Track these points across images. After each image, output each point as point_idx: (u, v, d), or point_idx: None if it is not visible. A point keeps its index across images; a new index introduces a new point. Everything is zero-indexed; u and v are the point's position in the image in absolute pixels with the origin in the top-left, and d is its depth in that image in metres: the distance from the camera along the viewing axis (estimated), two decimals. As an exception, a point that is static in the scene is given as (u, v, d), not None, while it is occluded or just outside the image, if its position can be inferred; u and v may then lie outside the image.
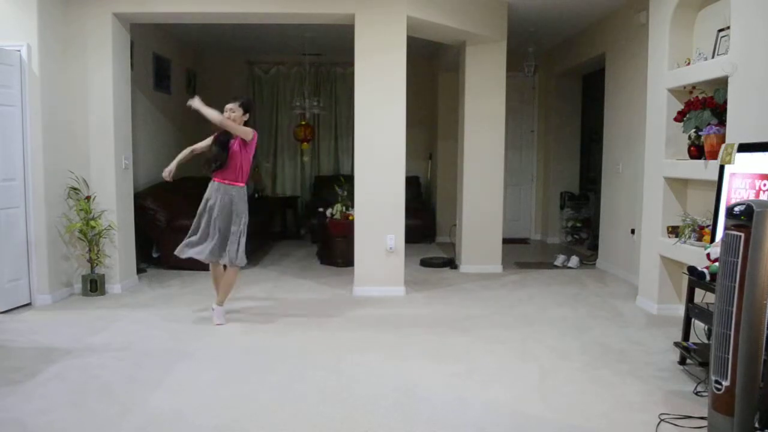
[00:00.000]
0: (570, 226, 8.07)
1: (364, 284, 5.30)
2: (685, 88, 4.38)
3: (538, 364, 3.56)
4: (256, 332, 4.18)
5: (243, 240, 4.32)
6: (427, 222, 8.25)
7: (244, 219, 4.33)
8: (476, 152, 6.21)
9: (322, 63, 8.71)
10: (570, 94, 8.26)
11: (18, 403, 2.93)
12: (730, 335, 2.38)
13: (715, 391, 2.44)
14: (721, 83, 3.87)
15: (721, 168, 3.42)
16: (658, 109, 4.63)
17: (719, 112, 3.91)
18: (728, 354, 2.38)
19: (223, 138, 4.28)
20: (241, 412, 2.87)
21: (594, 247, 7.10)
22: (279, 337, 4.08)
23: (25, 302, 4.77)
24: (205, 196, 4.32)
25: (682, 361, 3.51)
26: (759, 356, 2.31)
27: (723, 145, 3.51)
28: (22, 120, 4.67)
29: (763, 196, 3.05)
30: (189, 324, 4.34)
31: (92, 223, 5.03)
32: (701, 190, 4.40)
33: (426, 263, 6.67)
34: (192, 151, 4.40)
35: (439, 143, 8.46)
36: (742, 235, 2.35)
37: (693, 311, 3.43)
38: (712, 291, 2.98)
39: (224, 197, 4.24)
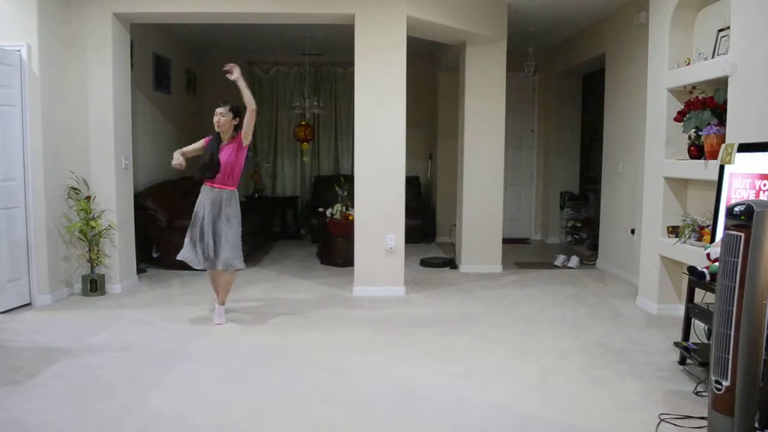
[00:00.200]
0: (570, 226, 8.07)
1: (364, 284, 5.30)
2: (685, 88, 4.38)
3: (538, 364, 3.56)
4: (256, 332, 4.18)
5: (238, 243, 4.30)
6: (427, 222, 8.25)
7: (237, 222, 4.30)
8: (476, 152, 6.21)
9: (322, 63, 8.71)
10: (570, 94, 8.26)
11: (18, 403, 2.93)
12: (730, 335, 2.38)
13: (715, 391, 2.44)
14: (721, 83, 3.87)
15: (721, 168, 3.42)
16: (658, 109, 4.63)
17: (719, 112, 3.91)
18: (728, 354, 2.38)
19: (213, 144, 4.27)
20: (241, 412, 2.87)
21: (594, 247, 7.10)
22: (279, 337, 4.08)
23: (25, 302, 4.77)
24: (198, 201, 4.31)
25: (682, 361, 3.51)
26: (759, 356, 2.31)
27: (723, 145, 3.51)
28: (22, 120, 4.67)
29: (763, 196, 3.05)
30: (189, 324, 4.34)
31: (92, 223, 5.03)
32: (701, 190, 4.40)
33: (426, 263, 6.67)
34: (183, 154, 4.30)
35: (439, 143, 8.46)
36: (742, 235, 2.35)
37: (693, 311, 3.43)
38: (712, 291, 2.98)
39: (216, 201, 4.23)
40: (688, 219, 4.27)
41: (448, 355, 3.72)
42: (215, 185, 4.25)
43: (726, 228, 2.46)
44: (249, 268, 6.31)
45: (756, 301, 2.30)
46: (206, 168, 4.25)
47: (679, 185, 4.55)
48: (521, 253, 7.55)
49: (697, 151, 4.15)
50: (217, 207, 4.23)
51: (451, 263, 6.60)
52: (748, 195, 3.15)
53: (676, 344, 3.55)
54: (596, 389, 3.19)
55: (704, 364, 3.18)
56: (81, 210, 5.03)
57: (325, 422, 2.77)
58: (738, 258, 2.36)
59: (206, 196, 4.26)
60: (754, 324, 2.30)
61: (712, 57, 4.08)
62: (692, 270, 3.38)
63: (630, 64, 5.82)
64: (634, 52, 5.68)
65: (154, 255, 6.38)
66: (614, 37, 6.19)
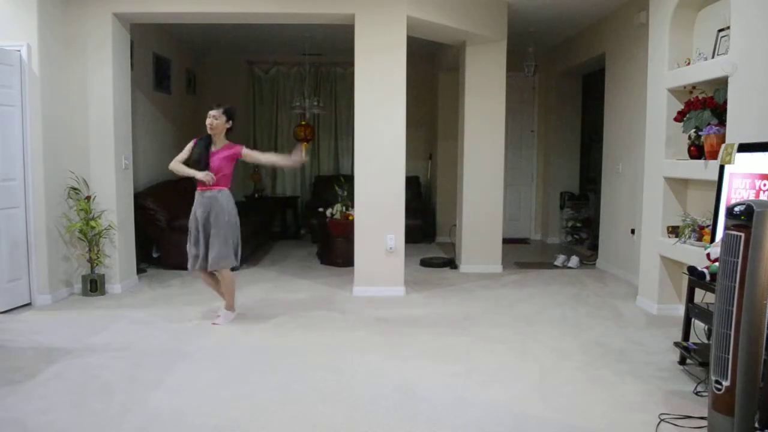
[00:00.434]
0: (570, 226, 8.07)
1: (364, 284, 5.30)
2: (685, 88, 4.38)
3: (538, 364, 3.56)
4: (256, 332, 4.18)
5: (229, 242, 4.26)
6: (427, 222, 8.25)
7: (228, 219, 4.26)
8: (476, 152, 6.21)
9: (322, 63, 8.71)
10: (570, 94, 8.25)
11: (18, 403, 2.93)
12: (730, 335, 2.38)
13: (715, 391, 2.44)
14: (721, 83, 3.87)
15: (721, 168, 3.42)
16: (658, 109, 4.63)
17: (719, 112, 3.91)
18: (728, 354, 2.38)
19: (202, 145, 4.25)
20: (241, 412, 2.87)
21: (594, 247, 7.10)
22: (279, 337, 4.08)
23: (25, 302, 4.77)
24: (193, 208, 4.29)
25: (682, 361, 3.51)
26: (759, 356, 2.31)
27: (723, 145, 3.51)
28: (22, 120, 4.67)
29: (763, 196, 3.05)
30: (189, 324, 4.34)
31: (92, 223, 5.03)
32: (701, 190, 4.40)
33: (426, 263, 6.67)
34: (182, 163, 4.30)
35: (439, 143, 8.46)
36: (742, 235, 2.35)
37: (693, 311, 3.43)
38: (712, 291, 2.98)
39: (207, 202, 4.22)
40: (688, 219, 4.27)
41: (448, 355, 3.72)
42: (205, 187, 4.22)
43: (726, 228, 2.46)
44: (249, 268, 6.32)
45: (756, 301, 2.30)
46: (193, 167, 4.22)
47: (679, 185, 4.55)
48: (521, 253, 7.55)
49: (697, 151, 4.15)
50: (211, 207, 4.22)
51: (451, 263, 6.60)
52: (748, 195, 3.15)
53: (676, 344, 3.55)
54: (596, 389, 3.19)
55: (704, 364, 3.18)
56: (81, 210, 5.03)
57: (325, 422, 2.77)
58: (738, 258, 2.36)
59: (199, 199, 4.25)
60: (754, 324, 2.30)
61: (712, 57, 4.08)
62: (692, 270, 3.38)
63: (630, 64, 5.82)
64: (634, 52, 5.68)
65: (154, 255, 6.38)
66: (614, 37, 6.19)
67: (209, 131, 4.25)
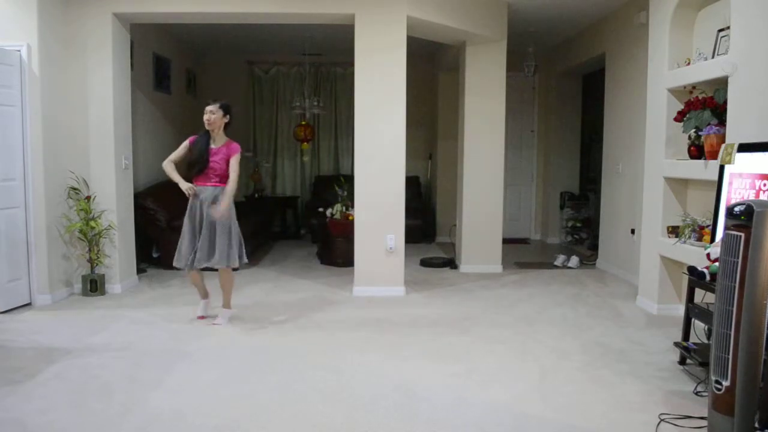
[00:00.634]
0: (570, 226, 8.07)
1: (364, 284, 5.30)
2: (685, 88, 4.38)
3: (538, 364, 3.56)
4: (255, 332, 4.18)
5: (235, 240, 4.26)
6: (427, 222, 8.25)
7: (234, 219, 4.27)
8: (476, 152, 6.21)
9: (322, 63, 8.71)
10: (570, 94, 8.25)
11: (18, 403, 2.93)
12: (730, 335, 2.38)
13: (715, 391, 2.44)
14: (721, 83, 3.87)
15: (721, 168, 3.42)
16: (658, 109, 4.63)
17: (719, 112, 3.91)
18: (728, 354, 2.38)
19: (202, 141, 4.23)
20: (241, 412, 2.87)
21: (594, 247, 7.10)
22: (279, 337, 4.08)
23: (25, 302, 4.77)
24: (190, 204, 4.25)
25: (682, 361, 3.51)
26: (759, 356, 2.31)
27: (723, 145, 3.51)
28: (22, 120, 4.67)
29: (763, 196, 3.05)
30: (189, 324, 4.34)
31: (92, 223, 5.03)
32: (701, 190, 4.40)
33: (426, 263, 6.67)
34: (174, 161, 4.29)
35: (439, 143, 8.46)
36: (742, 235, 2.35)
37: (693, 311, 3.43)
38: (712, 291, 2.98)
39: (208, 199, 4.19)
40: (688, 219, 4.27)
41: (448, 355, 3.72)
42: (209, 183, 4.20)
43: (726, 228, 2.46)
44: (249, 268, 6.32)
45: (756, 301, 2.30)
46: (194, 164, 4.20)
47: (679, 185, 4.55)
48: (521, 253, 7.55)
49: (697, 151, 4.15)
50: (210, 205, 4.18)
51: (451, 263, 6.60)
52: (748, 195, 3.15)
53: (676, 344, 3.55)
54: (596, 389, 3.19)
55: (704, 364, 3.18)
56: (81, 210, 5.03)
57: (325, 422, 2.77)
58: (738, 258, 2.36)
59: (203, 196, 4.19)
60: (754, 324, 2.30)
61: (712, 57, 4.08)
62: (692, 270, 3.38)
63: (630, 64, 5.82)
64: (634, 52, 5.68)
65: (154, 255, 6.38)
66: (614, 37, 6.19)
67: (207, 127, 4.21)
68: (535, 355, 3.73)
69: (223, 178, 4.22)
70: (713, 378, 2.45)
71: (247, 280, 5.77)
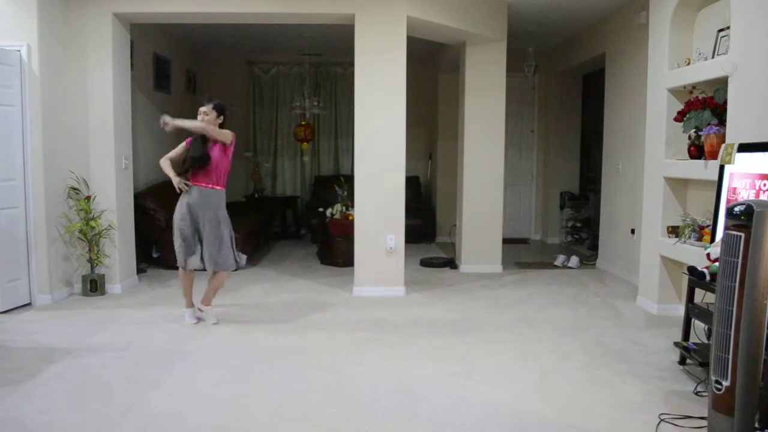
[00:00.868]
0: (570, 226, 8.07)
1: (364, 284, 5.30)
2: (685, 88, 4.38)
3: (538, 364, 3.56)
4: (255, 332, 4.18)
5: (230, 242, 4.27)
6: (427, 222, 8.25)
7: (226, 219, 4.27)
8: (476, 152, 6.21)
9: (322, 63, 8.71)
10: (570, 94, 8.25)
11: (18, 403, 2.93)
12: (730, 335, 2.38)
13: (715, 391, 2.44)
14: (721, 83, 3.87)
15: (721, 168, 3.42)
16: (658, 109, 4.63)
17: (719, 112, 3.91)
18: (728, 354, 2.38)
19: (200, 140, 4.21)
20: (241, 412, 2.87)
21: (594, 247, 7.10)
22: (279, 337, 4.08)
23: (25, 302, 4.77)
24: (182, 202, 4.23)
25: (682, 361, 3.51)
26: (759, 356, 2.31)
27: (723, 145, 3.51)
28: (22, 120, 4.67)
29: (763, 196, 3.05)
30: (189, 324, 4.34)
31: (92, 223, 5.03)
32: (701, 190, 4.40)
33: (426, 263, 6.67)
34: (171, 159, 4.28)
35: (439, 143, 8.46)
36: (742, 235, 2.35)
37: (693, 311, 3.43)
38: (712, 291, 2.98)
39: (206, 202, 4.17)
40: (688, 219, 4.27)
41: (448, 355, 3.72)
42: (207, 185, 4.18)
43: (726, 228, 2.46)
44: (249, 268, 6.32)
45: (756, 301, 2.29)
46: (195, 160, 4.17)
47: (679, 185, 4.55)
48: (521, 253, 7.55)
49: (697, 151, 4.15)
50: (211, 207, 4.17)
51: (451, 263, 6.60)
52: (748, 195, 3.15)
53: (676, 344, 3.55)
54: (596, 389, 3.19)
55: (704, 364, 3.18)
56: (81, 210, 5.03)
57: (325, 422, 2.77)
58: (738, 258, 2.36)
59: (196, 195, 4.17)
60: (754, 324, 2.30)
61: (712, 57, 4.08)
62: (692, 270, 3.38)
63: (630, 64, 5.82)
64: (634, 52, 5.68)
65: (154, 255, 6.38)
66: (614, 37, 6.19)
67: None
68: (535, 355, 3.73)
69: (221, 179, 4.23)
70: (713, 378, 2.45)
71: (247, 280, 5.77)
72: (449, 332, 4.21)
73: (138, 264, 5.75)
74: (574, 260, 6.63)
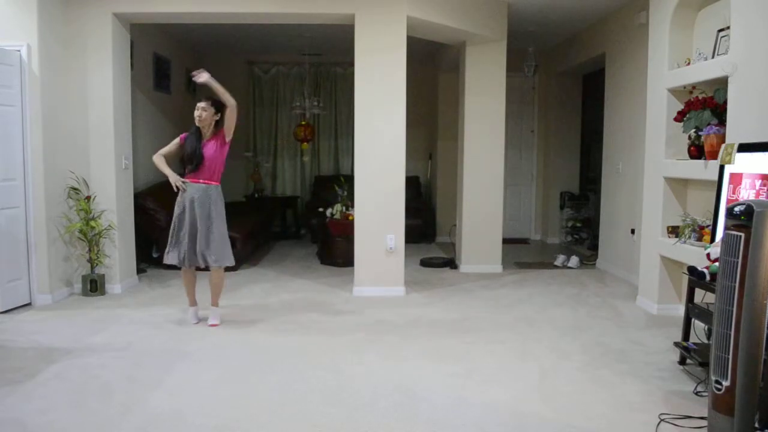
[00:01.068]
0: (570, 226, 8.07)
1: (364, 284, 5.30)
2: (685, 88, 4.38)
3: (538, 364, 3.56)
4: (255, 332, 4.18)
5: (227, 239, 4.28)
6: (427, 222, 8.25)
7: (224, 217, 4.27)
8: (476, 152, 6.21)
9: (322, 63, 8.71)
10: (570, 94, 8.25)
11: (18, 403, 2.93)
12: (730, 335, 2.38)
13: (715, 391, 2.44)
14: (721, 83, 3.87)
15: (721, 168, 3.42)
16: (658, 109, 4.63)
17: (719, 112, 3.91)
18: (728, 354, 2.38)
19: (193, 137, 4.22)
20: (241, 412, 2.87)
21: (594, 247, 7.10)
22: (279, 337, 4.08)
23: (25, 302, 4.77)
24: (178, 200, 4.23)
25: (682, 361, 3.51)
26: (759, 356, 2.31)
27: (723, 145, 3.51)
28: (22, 120, 4.67)
29: (763, 196, 3.05)
30: (189, 324, 4.34)
31: (92, 223, 5.03)
32: (701, 190, 4.40)
33: (426, 263, 6.67)
34: (165, 156, 4.29)
35: (439, 143, 8.46)
36: (742, 235, 2.35)
37: (693, 311, 3.43)
38: (712, 291, 2.98)
39: (202, 197, 4.17)
40: (688, 219, 4.27)
41: (448, 355, 3.72)
42: (201, 181, 4.19)
43: (726, 228, 2.46)
44: (249, 268, 6.32)
45: (756, 301, 2.29)
46: (190, 160, 4.19)
47: (679, 185, 4.55)
48: (521, 253, 7.55)
49: (697, 151, 4.15)
50: (206, 203, 4.17)
51: (451, 263, 6.60)
52: (748, 195, 3.15)
53: (676, 344, 3.55)
54: (596, 389, 3.19)
55: (704, 364, 3.18)
56: (81, 210, 5.03)
57: (325, 422, 2.77)
58: (738, 258, 2.36)
59: (192, 192, 4.17)
60: (754, 324, 2.30)
61: (712, 57, 4.08)
62: (692, 270, 3.38)
63: (630, 64, 5.82)
64: (634, 52, 5.68)
65: (154, 255, 6.37)
66: (614, 37, 6.19)
67: (198, 123, 4.22)
68: (535, 355, 3.73)
69: (215, 175, 4.23)
70: (713, 378, 2.45)
71: (247, 280, 5.77)
72: (449, 332, 4.21)
73: (138, 264, 5.75)
74: (574, 260, 6.63)
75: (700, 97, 4.10)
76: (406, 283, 5.44)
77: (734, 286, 2.37)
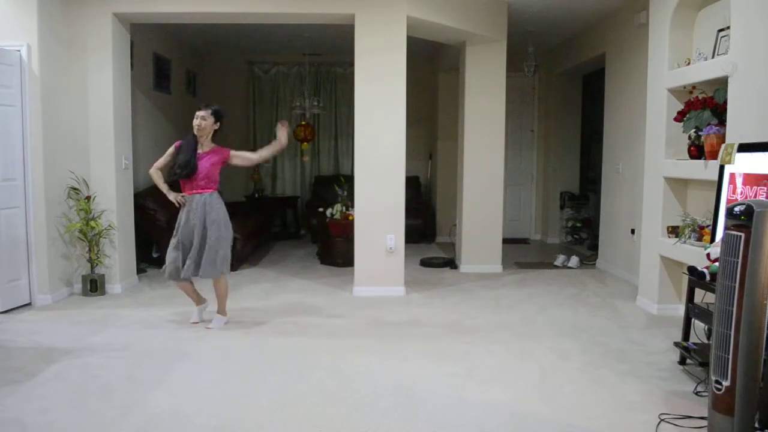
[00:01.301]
0: (570, 226, 8.07)
1: (364, 284, 5.30)
2: (685, 88, 4.38)
3: (538, 364, 3.56)
4: (255, 332, 4.18)
5: (226, 246, 4.17)
6: (427, 222, 8.25)
7: (223, 224, 4.15)
8: (476, 152, 6.21)
9: (322, 63, 8.71)
10: (570, 94, 8.25)
11: (18, 403, 2.94)
12: (730, 335, 2.38)
13: (715, 391, 2.44)
14: (721, 83, 3.87)
15: (721, 168, 3.42)
16: (658, 109, 4.63)
17: (719, 112, 3.91)
18: (728, 354, 2.38)
19: (189, 145, 4.12)
20: (241, 412, 2.87)
21: (594, 247, 7.10)
22: (279, 337, 4.08)
23: (25, 302, 4.77)
24: (180, 212, 4.18)
25: (682, 361, 3.51)
26: (759, 356, 2.31)
27: (723, 145, 3.51)
28: (22, 120, 4.67)
29: (762, 196, 3.05)
30: (189, 324, 4.34)
31: (92, 223, 5.03)
32: (701, 190, 4.40)
33: (426, 263, 6.67)
34: (160, 170, 4.25)
35: (439, 143, 8.46)
36: (742, 235, 2.35)
37: (693, 311, 3.43)
38: (712, 291, 2.98)
39: (197, 206, 4.10)
40: (688, 219, 4.27)
41: (448, 355, 3.72)
42: (197, 191, 4.10)
43: (726, 228, 2.46)
44: (249, 268, 6.32)
45: (756, 301, 2.29)
46: (182, 168, 4.07)
47: (679, 185, 4.55)
48: (521, 253, 7.55)
49: (697, 151, 4.15)
50: (201, 212, 4.10)
51: (451, 263, 6.60)
52: (748, 195, 3.15)
53: (676, 344, 3.55)
54: (596, 389, 3.19)
55: (704, 364, 3.18)
56: (81, 210, 5.03)
57: (325, 422, 2.77)
58: (738, 258, 2.36)
59: (189, 206, 4.11)
60: (754, 324, 2.30)
61: (712, 57, 4.08)
62: (692, 270, 3.38)
63: (630, 64, 5.82)
64: (634, 52, 5.68)
65: (154, 255, 6.37)
66: (614, 37, 6.19)
67: (196, 132, 4.11)
68: (535, 355, 3.73)
69: (210, 183, 4.14)
70: (713, 378, 2.45)
71: (247, 280, 5.77)
72: (449, 332, 4.21)
73: (138, 264, 5.75)
74: (574, 260, 6.63)
75: (700, 97, 4.10)
76: (406, 283, 5.44)
77: (734, 286, 2.37)
